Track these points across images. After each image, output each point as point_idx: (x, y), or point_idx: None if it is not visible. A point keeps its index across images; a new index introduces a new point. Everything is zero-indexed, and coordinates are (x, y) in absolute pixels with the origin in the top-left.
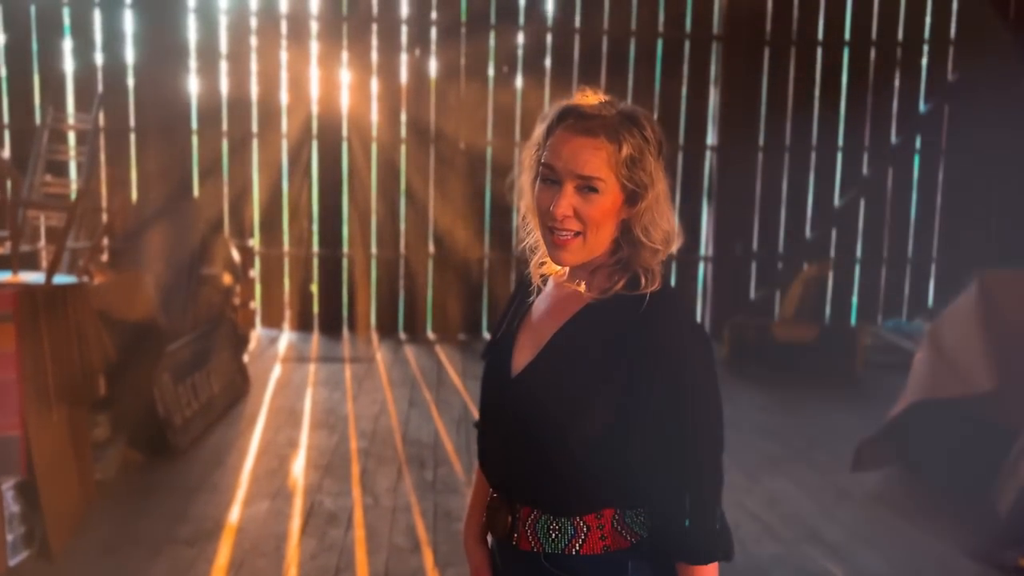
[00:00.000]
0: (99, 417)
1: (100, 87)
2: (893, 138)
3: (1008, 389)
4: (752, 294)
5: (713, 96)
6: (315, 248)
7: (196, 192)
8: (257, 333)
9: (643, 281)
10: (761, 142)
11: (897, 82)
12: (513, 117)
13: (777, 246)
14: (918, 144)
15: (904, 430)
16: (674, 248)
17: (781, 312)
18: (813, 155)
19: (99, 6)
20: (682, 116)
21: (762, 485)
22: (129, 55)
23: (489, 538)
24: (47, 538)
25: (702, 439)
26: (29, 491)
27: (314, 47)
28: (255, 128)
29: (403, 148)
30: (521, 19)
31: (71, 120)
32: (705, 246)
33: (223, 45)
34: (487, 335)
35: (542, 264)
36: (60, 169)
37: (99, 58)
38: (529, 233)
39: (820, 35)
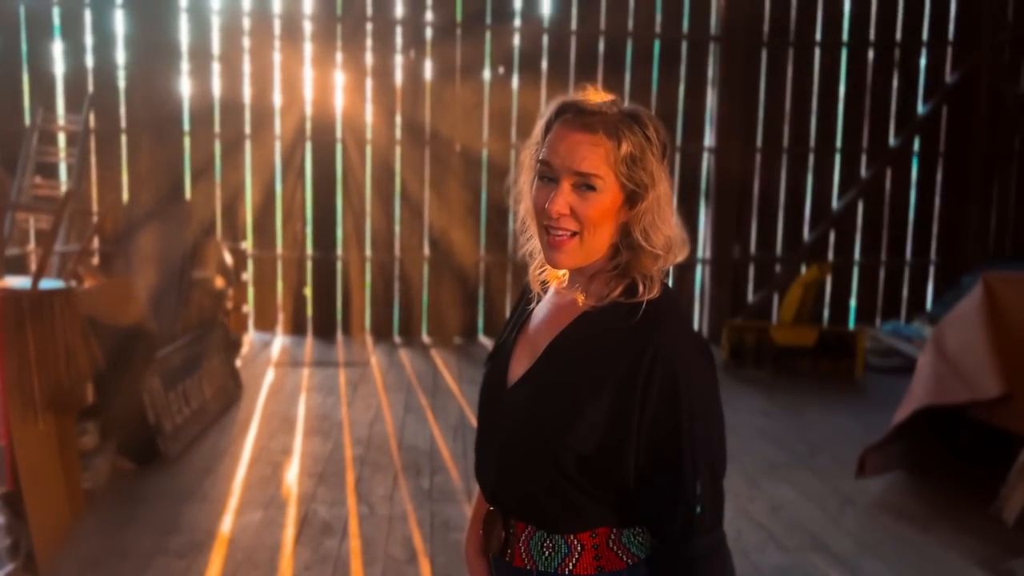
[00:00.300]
0: (87, 425)
1: (91, 88)
2: (891, 140)
3: (1015, 394)
4: (750, 297)
5: (711, 97)
6: (309, 251)
7: (188, 194)
8: (250, 337)
9: (641, 288)
10: (759, 143)
11: (895, 83)
12: (509, 119)
13: (775, 248)
14: (917, 146)
15: (909, 435)
16: (679, 257)
17: (780, 315)
18: (811, 157)
19: (89, 6)
20: (679, 117)
21: (765, 492)
22: (120, 55)
23: None
24: (33, 551)
25: (699, 459)
26: (14, 502)
27: (308, 48)
28: (248, 129)
29: (398, 150)
30: (517, 20)
31: (61, 121)
32: (703, 248)
33: (215, 45)
34: (483, 338)
35: (541, 270)
36: (50, 171)
37: (90, 59)
38: (529, 239)
39: (818, 36)
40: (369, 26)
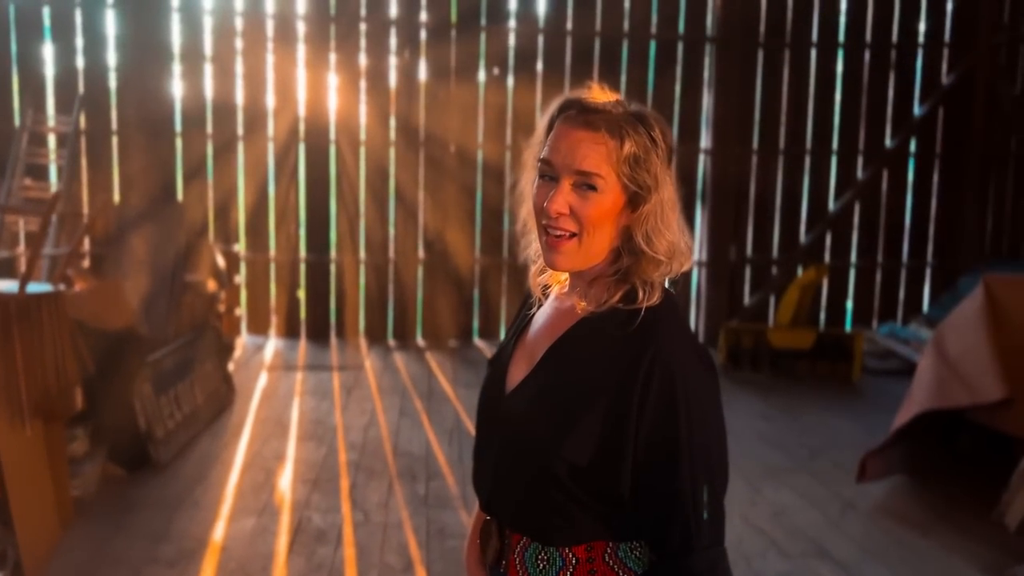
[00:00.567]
0: (76, 431)
1: (81, 89)
2: (888, 141)
3: (1017, 397)
4: (746, 299)
5: (707, 98)
6: (302, 253)
7: (180, 196)
8: (243, 340)
9: (641, 294)
10: (755, 145)
11: (892, 84)
12: (504, 119)
13: (771, 250)
14: (913, 147)
15: (909, 439)
16: (684, 265)
17: (777, 318)
18: (807, 158)
19: (80, 6)
20: (675, 118)
21: (765, 496)
22: (111, 56)
23: None
24: (20, 561)
25: (698, 472)
26: (1, 511)
27: (301, 48)
28: (240, 131)
29: (392, 151)
30: (512, 20)
31: (51, 123)
32: (699, 250)
33: (207, 46)
34: (478, 342)
35: (542, 274)
36: (40, 173)
37: (80, 59)
38: (531, 242)
39: (814, 37)
40: (363, 27)
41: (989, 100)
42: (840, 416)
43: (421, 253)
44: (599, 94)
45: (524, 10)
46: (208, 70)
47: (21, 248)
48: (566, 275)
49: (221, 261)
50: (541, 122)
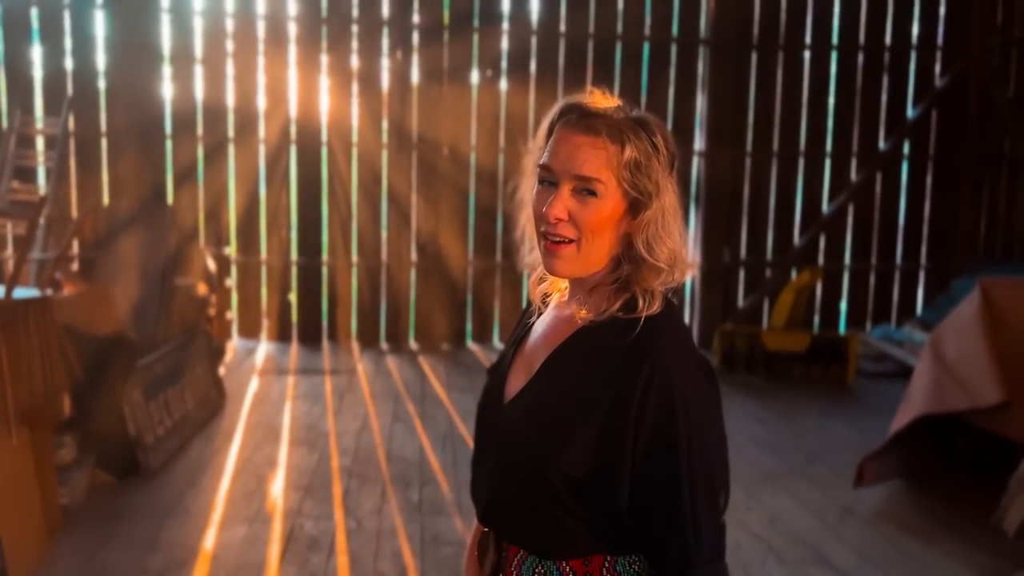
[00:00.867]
0: (65, 438)
1: (70, 90)
2: (881, 143)
3: (1015, 401)
4: (740, 302)
5: (700, 100)
6: (294, 256)
7: (170, 199)
8: (233, 344)
9: (641, 303)
10: (749, 147)
11: (885, 87)
12: (497, 121)
13: (765, 253)
14: (907, 149)
15: (907, 443)
16: (687, 274)
17: (772, 320)
18: (801, 160)
19: (68, 7)
20: (669, 121)
21: (762, 502)
22: (100, 57)
23: None
24: (6, 570)
25: (697, 486)
26: None
27: (292, 50)
28: (232, 133)
29: (385, 153)
30: (505, 22)
31: (39, 124)
32: (692, 253)
33: (198, 47)
34: (472, 345)
35: (541, 282)
36: (28, 175)
37: (69, 61)
38: (531, 250)
39: (808, 39)
40: (355, 28)
41: (982, 102)
42: (836, 419)
43: (414, 256)
44: (600, 99)
45: (517, 12)
46: (199, 72)
47: (8, 252)
48: (566, 283)
49: (212, 264)
50: (541, 127)
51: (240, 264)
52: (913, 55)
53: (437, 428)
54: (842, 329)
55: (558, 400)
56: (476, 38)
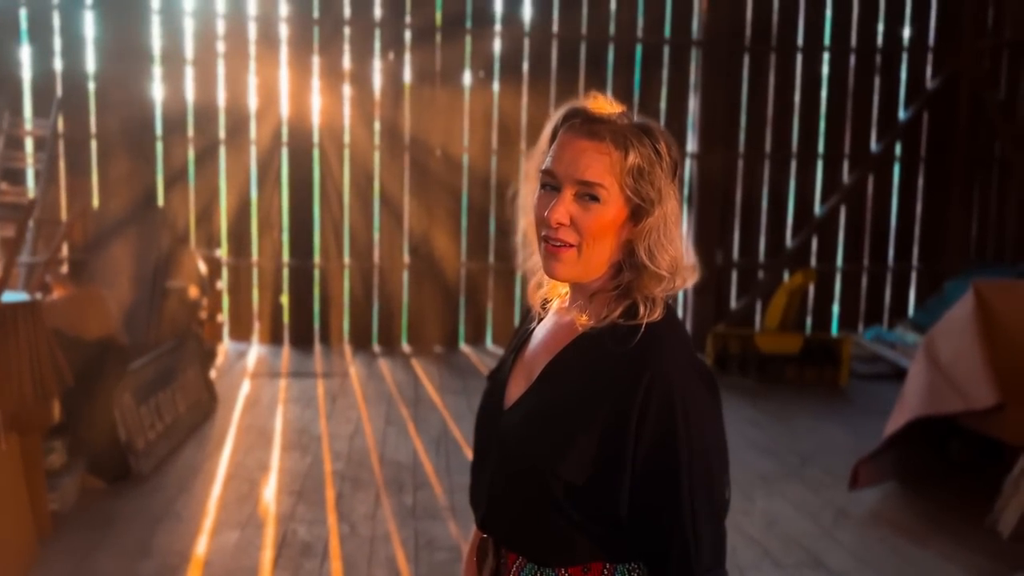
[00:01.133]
0: (54, 443)
1: (59, 91)
2: (873, 145)
3: (1009, 403)
4: (733, 303)
5: (692, 102)
6: (286, 258)
7: (161, 201)
8: (225, 347)
9: (642, 310)
10: (741, 149)
11: (877, 88)
12: (490, 123)
13: (758, 254)
14: (898, 151)
15: (902, 445)
16: (688, 281)
17: (765, 322)
18: (793, 162)
19: (58, 8)
20: (661, 122)
21: (758, 505)
22: (90, 59)
23: None
24: None
25: (698, 494)
26: None
27: (284, 51)
28: (223, 135)
29: (377, 155)
30: (497, 23)
31: (28, 126)
32: (694, 259)
33: (189, 49)
34: (465, 347)
35: (541, 287)
36: (17, 177)
37: (58, 62)
38: (531, 255)
39: (800, 41)
40: (347, 29)
41: (973, 104)
42: (829, 421)
43: (407, 258)
44: (604, 104)
45: (510, 13)
46: (189, 73)
47: None
48: (566, 288)
49: (203, 267)
50: (544, 131)
51: (232, 266)
52: (904, 57)
53: (430, 431)
54: (834, 331)
55: (558, 407)
56: (468, 39)
